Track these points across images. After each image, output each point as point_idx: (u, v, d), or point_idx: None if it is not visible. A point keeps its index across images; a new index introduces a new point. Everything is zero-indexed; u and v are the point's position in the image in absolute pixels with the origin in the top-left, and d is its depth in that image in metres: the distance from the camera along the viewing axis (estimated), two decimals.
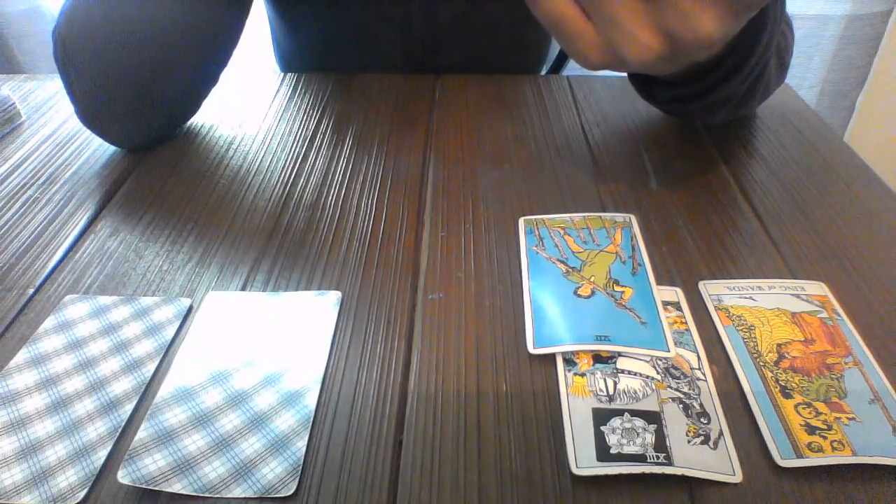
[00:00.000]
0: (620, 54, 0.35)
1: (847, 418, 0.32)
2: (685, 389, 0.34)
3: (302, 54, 0.78)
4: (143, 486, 0.30)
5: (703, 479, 0.30)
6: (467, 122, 0.60)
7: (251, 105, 0.64)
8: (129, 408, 0.33)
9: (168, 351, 0.37)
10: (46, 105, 0.64)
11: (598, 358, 0.35)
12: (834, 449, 0.30)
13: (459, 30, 0.72)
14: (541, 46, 0.82)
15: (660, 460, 0.30)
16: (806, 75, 1.10)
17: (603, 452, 0.30)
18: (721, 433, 0.31)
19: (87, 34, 0.50)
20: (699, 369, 0.35)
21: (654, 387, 0.34)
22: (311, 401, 0.34)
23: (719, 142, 0.56)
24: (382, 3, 0.68)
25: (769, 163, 0.53)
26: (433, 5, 0.69)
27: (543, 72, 0.86)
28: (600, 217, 0.46)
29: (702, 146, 0.56)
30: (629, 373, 0.34)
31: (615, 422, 0.32)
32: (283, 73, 0.70)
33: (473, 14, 0.71)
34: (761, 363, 0.35)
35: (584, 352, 0.36)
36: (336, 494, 0.30)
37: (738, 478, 0.30)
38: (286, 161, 0.54)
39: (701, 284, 0.40)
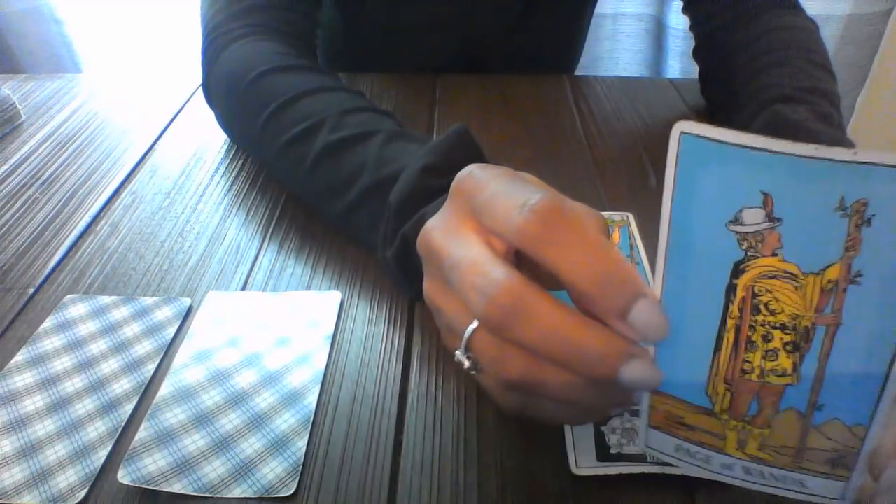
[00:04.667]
0: None
1: None
2: None
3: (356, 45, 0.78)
4: (143, 486, 0.30)
5: (703, 479, 0.29)
6: (467, 121, 0.60)
7: None
8: (129, 408, 0.33)
9: (168, 351, 0.37)
10: (46, 105, 0.64)
11: None
12: None
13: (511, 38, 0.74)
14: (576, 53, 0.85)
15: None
16: None
17: (603, 452, 0.30)
18: None
19: None
20: None
21: None
22: (311, 401, 0.34)
23: None
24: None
25: None
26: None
27: None
28: None
29: None
30: None
31: (615, 422, 0.32)
32: None
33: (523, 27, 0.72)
34: None
35: None
36: (336, 494, 0.30)
37: None
38: None
39: None
